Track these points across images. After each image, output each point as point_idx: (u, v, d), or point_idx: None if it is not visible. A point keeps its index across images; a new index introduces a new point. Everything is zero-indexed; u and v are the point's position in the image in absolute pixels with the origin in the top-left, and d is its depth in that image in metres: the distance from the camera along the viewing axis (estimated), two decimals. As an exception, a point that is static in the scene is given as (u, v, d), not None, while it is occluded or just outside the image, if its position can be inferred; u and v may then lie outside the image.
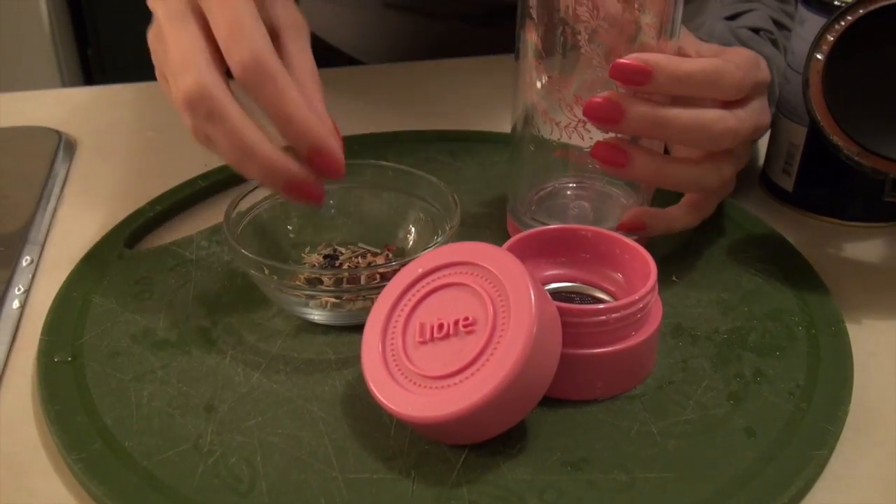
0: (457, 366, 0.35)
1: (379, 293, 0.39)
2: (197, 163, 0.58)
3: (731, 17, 0.61)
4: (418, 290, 0.38)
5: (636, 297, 0.38)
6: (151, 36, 0.42)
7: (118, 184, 0.58)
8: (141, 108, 0.69)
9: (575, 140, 0.46)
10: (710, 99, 0.44)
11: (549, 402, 0.38)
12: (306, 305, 0.43)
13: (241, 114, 0.38)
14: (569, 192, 0.51)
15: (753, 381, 0.41)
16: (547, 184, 0.51)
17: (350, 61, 0.83)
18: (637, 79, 0.41)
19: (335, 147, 0.40)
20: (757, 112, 0.46)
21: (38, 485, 0.36)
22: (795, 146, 0.54)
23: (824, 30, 0.44)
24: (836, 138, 0.45)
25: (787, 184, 0.55)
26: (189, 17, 0.40)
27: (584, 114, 0.42)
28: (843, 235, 0.53)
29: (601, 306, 0.38)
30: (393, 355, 0.37)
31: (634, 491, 0.35)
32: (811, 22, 0.50)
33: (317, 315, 0.43)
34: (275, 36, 0.41)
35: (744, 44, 0.58)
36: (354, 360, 0.42)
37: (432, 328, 0.37)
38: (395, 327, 0.38)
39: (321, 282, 0.43)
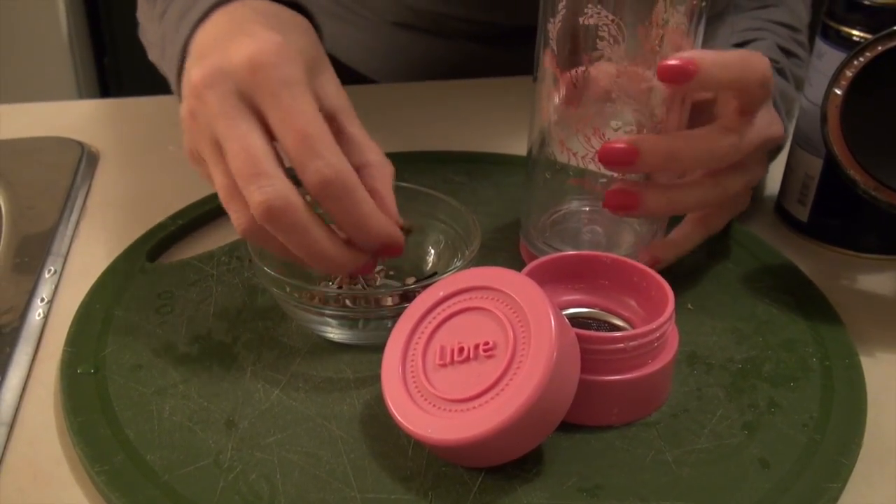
0: (476, 390, 0.35)
1: (399, 315, 0.40)
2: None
3: (739, 45, 0.61)
4: (439, 314, 0.39)
5: (654, 325, 0.39)
6: (185, 112, 0.41)
7: (140, 196, 0.59)
8: (162, 121, 0.70)
9: (591, 167, 0.46)
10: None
11: (566, 427, 0.39)
12: (326, 324, 0.43)
13: (317, 223, 0.39)
14: (582, 217, 0.51)
15: (768, 412, 0.41)
16: (560, 208, 0.51)
17: (362, 80, 0.84)
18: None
19: (401, 239, 0.42)
20: (762, 123, 0.46)
21: (60, 496, 0.37)
22: (811, 177, 0.54)
23: (843, 65, 0.45)
24: (853, 172, 0.45)
25: (802, 214, 0.56)
26: (246, 113, 0.39)
27: (600, 161, 0.43)
28: (858, 267, 0.54)
29: (618, 334, 0.38)
30: (413, 377, 0.37)
31: (649, 518, 0.35)
32: (829, 56, 0.51)
33: (336, 334, 0.44)
34: (329, 118, 0.41)
35: None
36: (373, 379, 0.42)
37: (452, 351, 0.37)
38: (415, 349, 0.38)
39: (341, 301, 0.43)
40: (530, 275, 0.41)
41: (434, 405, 0.36)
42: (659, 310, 0.40)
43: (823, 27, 0.51)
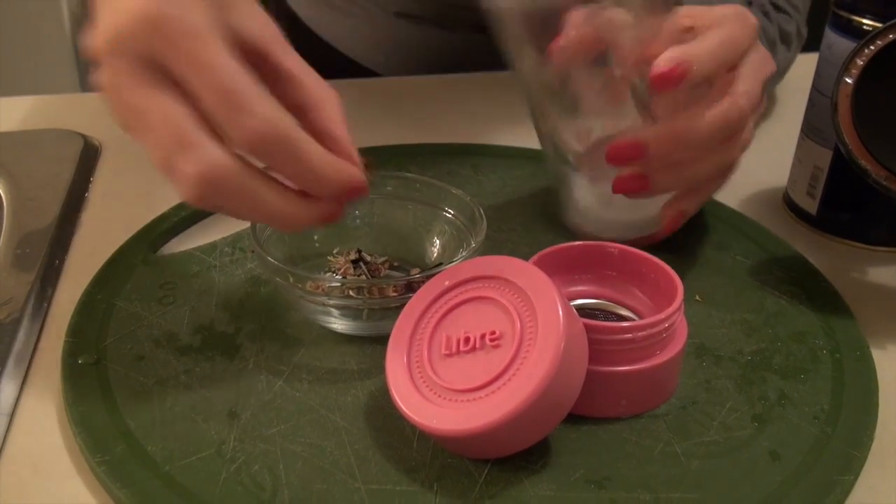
0: (482, 380, 0.35)
1: (404, 304, 0.39)
2: (221, 170, 0.58)
3: None
4: (444, 303, 0.38)
5: (662, 315, 0.38)
6: (103, 84, 0.36)
7: (142, 188, 0.58)
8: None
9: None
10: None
11: (573, 418, 0.38)
12: (330, 315, 0.43)
13: (263, 183, 0.36)
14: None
15: (778, 404, 0.40)
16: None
17: (365, 73, 0.84)
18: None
19: (362, 180, 0.38)
20: (757, 67, 0.46)
21: (60, 487, 0.36)
22: (820, 169, 0.54)
23: (854, 54, 0.44)
24: (864, 162, 0.45)
25: (811, 206, 0.55)
26: (158, 79, 0.34)
27: (610, 161, 0.44)
28: (867, 259, 0.53)
29: (627, 324, 0.38)
30: (418, 367, 0.37)
31: (658, 511, 0.35)
32: (839, 46, 0.50)
33: (340, 325, 0.44)
34: (257, 53, 0.37)
35: None
36: (377, 370, 0.42)
37: (458, 341, 0.37)
38: (420, 339, 0.38)
39: (345, 292, 0.43)
40: (537, 265, 0.41)
41: (439, 395, 0.36)
42: (667, 300, 0.40)
43: (833, 16, 0.51)
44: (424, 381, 0.36)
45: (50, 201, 0.56)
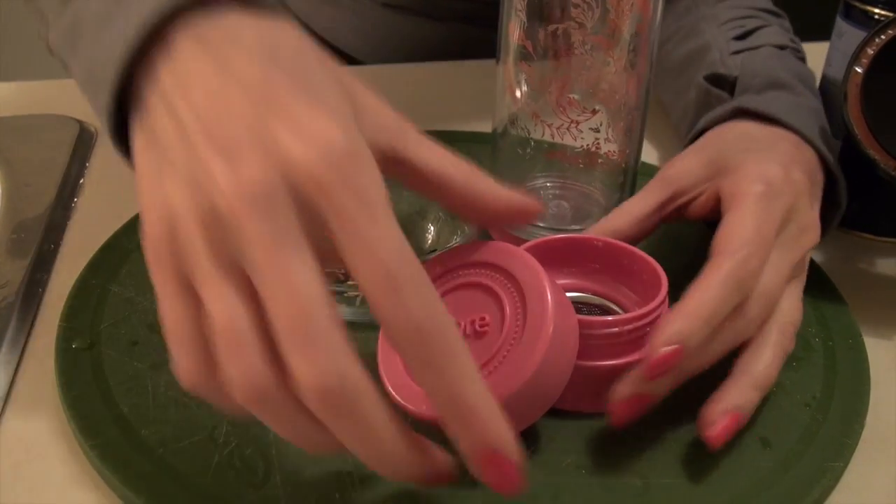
0: None
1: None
2: (216, 156, 0.58)
3: (741, 38, 0.57)
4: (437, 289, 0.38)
5: (647, 309, 0.38)
6: (193, 224, 0.28)
7: (137, 174, 0.58)
8: (161, 100, 0.69)
9: (567, 140, 0.46)
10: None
11: (562, 410, 0.38)
12: (324, 301, 0.43)
13: (383, 409, 0.28)
14: (548, 192, 0.51)
15: (770, 392, 0.40)
16: (525, 185, 0.51)
17: (353, 63, 0.83)
18: (675, 364, 0.35)
19: (447, 467, 0.30)
20: (795, 252, 0.40)
21: (53, 470, 0.36)
22: None
23: (864, 43, 0.44)
24: (873, 152, 0.45)
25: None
26: (301, 241, 0.27)
27: (613, 423, 0.36)
28: (867, 249, 0.53)
29: (612, 318, 0.38)
30: None
31: (649, 496, 0.35)
32: (850, 35, 0.50)
33: (334, 311, 0.44)
34: (386, 150, 0.32)
35: (769, 69, 0.51)
36: (370, 356, 0.41)
37: None
38: None
39: (340, 277, 0.43)
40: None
41: None
42: (652, 293, 0.40)
43: (844, 6, 0.51)
44: None
45: (45, 187, 0.56)
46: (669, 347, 0.34)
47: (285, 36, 0.31)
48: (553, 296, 0.35)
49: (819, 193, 0.44)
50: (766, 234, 0.38)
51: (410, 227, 0.49)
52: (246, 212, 0.27)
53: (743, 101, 0.47)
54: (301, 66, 0.30)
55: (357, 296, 0.42)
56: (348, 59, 0.83)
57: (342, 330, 0.27)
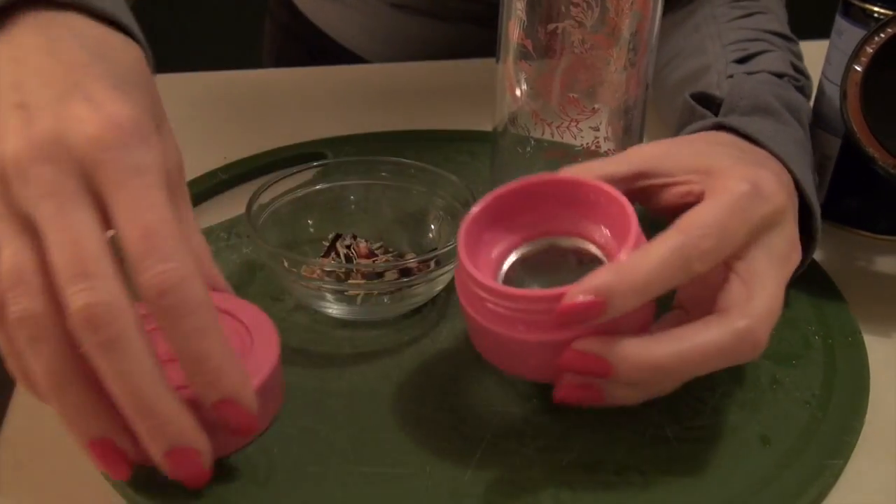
0: None
1: (399, 289, 0.39)
2: (216, 155, 0.58)
3: (742, 61, 0.54)
4: None
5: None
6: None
7: (138, 174, 0.58)
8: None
9: (567, 139, 0.46)
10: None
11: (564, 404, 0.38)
12: (324, 299, 0.43)
13: (148, 354, 0.31)
14: None
15: (769, 389, 0.41)
16: None
17: (360, 62, 0.83)
18: (591, 317, 0.33)
19: (251, 400, 0.33)
20: (777, 265, 0.37)
21: (59, 465, 0.37)
22: (828, 157, 0.53)
23: (864, 41, 0.44)
24: (873, 150, 0.45)
25: (819, 195, 0.55)
26: (83, 199, 0.31)
27: (564, 368, 0.34)
28: (866, 248, 0.53)
29: (562, 289, 0.34)
30: None
31: (649, 493, 0.35)
32: (849, 33, 0.50)
33: (334, 310, 0.44)
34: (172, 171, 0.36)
35: (759, 99, 0.47)
36: (371, 355, 0.42)
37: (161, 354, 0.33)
38: None
39: (340, 276, 0.43)
40: (478, 221, 0.38)
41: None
42: (622, 225, 0.36)
43: (843, 4, 0.51)
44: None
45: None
46: (586, 297, 0.32)
47: (124, 49, 0.37)
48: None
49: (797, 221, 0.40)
50: (731, 227, 0.35)
51: (411, 227, 0.49)
52: (32, 160, 0.31)
53: (725, 120, 0.44)
54: (124, 68, 0.36)
55: (358, 294, 0.42)
56: (357, 59, 0.83)
57: (116, 270, 0.31)
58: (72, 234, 0.31)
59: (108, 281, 0.30)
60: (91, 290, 0.30)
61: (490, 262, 0.39)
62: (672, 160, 0.40)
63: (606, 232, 0.38)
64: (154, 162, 0.32)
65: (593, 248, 0.39)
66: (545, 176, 0.39)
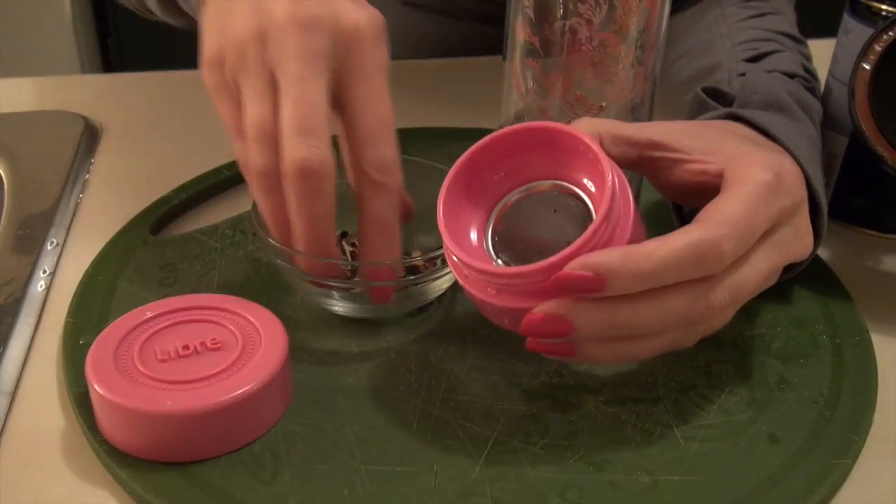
0: (210, 371, 0.36)
1: (405, 287, 0.39)
2: (221, 152, 0.58)
3: (753, 60, 0.54)
4: (148, 328, 0.39)
5: (587, 234, 0.34)
6: (252, 33, 0.38)
7: (143, 171, 0.58)
8: (165, 96, 0.69)
9: None
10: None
11: (572, 401, 0.38)
12: (330, 297, 0.43)
13: (333, 208, 0.39)
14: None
15: (777, 388, 0.40)
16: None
17: None
18: (585, 292, 0.33)
19: (335, 270, 0.40)
20: (779, 248, 0.37)
21: (61, 466, 0.36)
22: (835, 156, 0.53)
23: (872, 40, 0.44)
24: (881, 149, 0.45)
25: (825, 195, 0.55)
26: (326, 72, 0.38)
27: (523, 333, 0.35)
28: (873, 247, 0.53)
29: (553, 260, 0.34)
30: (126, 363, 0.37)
31: (656, 493, 0.35)
32: (857, 32, 0.50)
33: (340, 307, 0.44)
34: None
35: (774, 97, 0.46)
36: (377, 352, 0.42)
37: (176, 349, 0.38)
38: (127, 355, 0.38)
39: (347, 275, 0.43)
40: (457, 181, 0.39)
41: (167, 384, 0.36)
42: (597, 172, 0.36)
43: (851, 2, 0.51)
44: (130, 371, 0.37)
45: (50, 183, 0.56)
46: (584, 271, 0.33)
47: None
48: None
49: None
50: (755, 224, 0.35)
51: (417, 222, 0.48)
52: (293, 29, 0.37)
53: (739, 111, 0.44)
54: None
55: (363, 292, 0.42)
56: None
57: (330, 140, 0.37)
58: (308, 96, 0.36)
59: (324, 142, 0.37)
60: (310, 146, 0.36)
61: (476, 217, 0.40)
62: (690, 138, 0.40)
63: (582, 173, 0.38)
64: (388, 64, 0.39)
65: (573, 188, 0.38)
66: (517, 126, 0.38)
